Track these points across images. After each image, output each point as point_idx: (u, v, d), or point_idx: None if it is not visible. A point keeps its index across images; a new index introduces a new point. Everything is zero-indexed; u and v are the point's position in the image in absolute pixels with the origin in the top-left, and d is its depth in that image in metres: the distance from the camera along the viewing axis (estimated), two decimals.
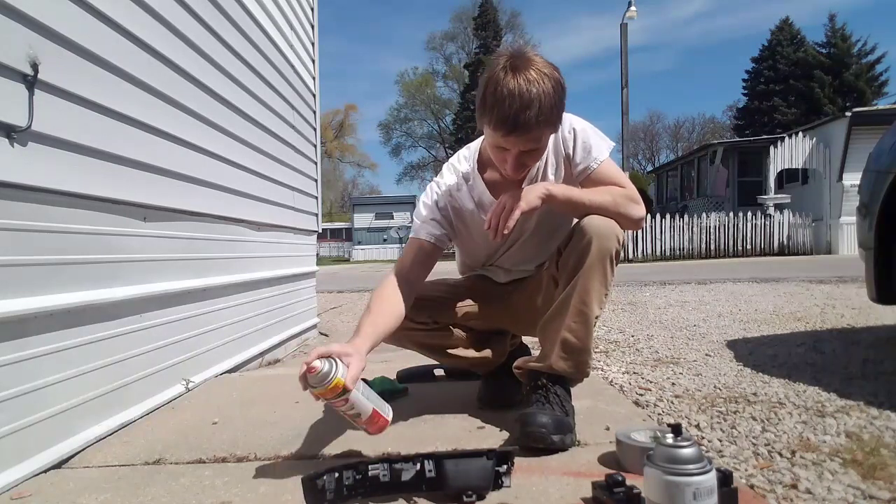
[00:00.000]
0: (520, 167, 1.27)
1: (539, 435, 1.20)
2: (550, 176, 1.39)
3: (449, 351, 1.55)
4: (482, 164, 1.43)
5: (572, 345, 1.28)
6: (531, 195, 1.24)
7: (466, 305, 1.53)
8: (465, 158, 1.48)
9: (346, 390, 1.07)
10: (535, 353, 1.41)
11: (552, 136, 1.33)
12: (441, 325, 1.50)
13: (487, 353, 1.58)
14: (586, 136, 1.36)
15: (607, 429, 1.34)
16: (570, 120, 1.37)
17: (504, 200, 1.25)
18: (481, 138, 1.44)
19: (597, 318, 1.29)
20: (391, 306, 1.30)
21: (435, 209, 1.43)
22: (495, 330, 1.61)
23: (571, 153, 1.37)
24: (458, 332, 1.54)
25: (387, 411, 1.18)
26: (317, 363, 1.06)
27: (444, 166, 1.50)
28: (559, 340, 1.28)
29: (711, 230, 13.36)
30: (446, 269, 1.55)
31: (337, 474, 0.97)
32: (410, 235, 1.44)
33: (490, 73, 1.20)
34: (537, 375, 1.32)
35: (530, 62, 1.19)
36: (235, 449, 1.32)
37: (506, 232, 1.23)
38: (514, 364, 1.41)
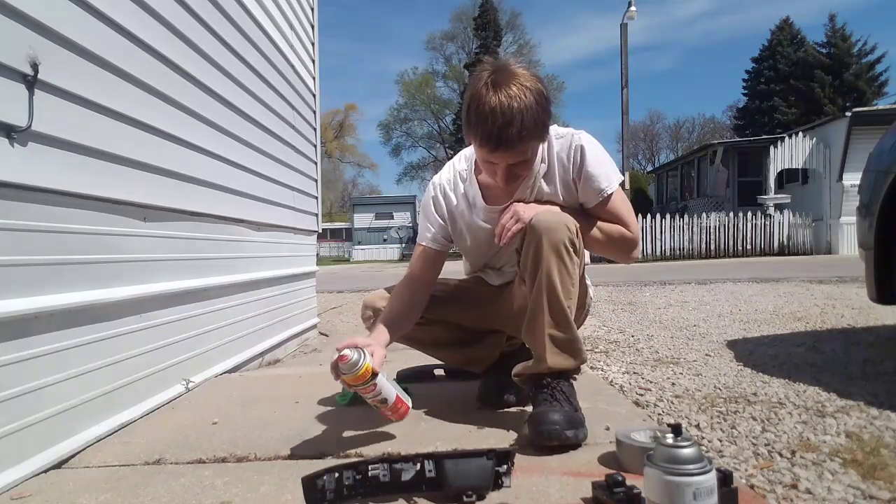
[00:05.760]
0: (511, 178, 1.30)
1: (553, 432, 1.20)
2: (542, 181, 1.40)
3: (441, 346, 1.59)
4: (479, 166, 1.44)
5: (560, 339, 1.29)
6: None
7: (460, 306, 1.55)
8: (465, 158, 1.51)
9: (374, 374, 1.20)
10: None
11: (553, 141, 1.37)
12: (432, 320, 1.53)
13: (482, 349, 1.60)
14: (597, 163, 1.37)
15: (607, 429, 1.34)
16: (578, 136, 1.38)
17: (516, 213, 1.32)
18: None
19: (569, 307, 1.29)
20: (403, 305, 1.42)
21: (433, 212, 1.48)
22: (490, 329, 1.62)
23: (578, 175, 1.38)
24: (450, 328, 1.57)
25: (407, 398, 1.31)
26: (347, 352, 1.19)
27: (446, 165, 1.54)
28: (546, 340, 1.29)
29: (711, 230, 13.36)
30: (452, 269, 1.57)
31: (337, 474, 0.97)
32: (417, 240, 1.50)
33: (472, 89, 1.22)
34: (540, 377, 1.33)
35: (512, 76, 1.20)
36: (235, 449, 1.32)
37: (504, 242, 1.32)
38: (513, 372, 1.41)
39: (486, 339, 1.62)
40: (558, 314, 1.28)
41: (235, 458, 1.27)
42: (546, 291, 1.28)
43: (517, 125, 1.17)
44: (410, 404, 1.32)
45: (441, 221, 1.47)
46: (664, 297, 5.13)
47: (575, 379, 1.37)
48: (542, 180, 1.39)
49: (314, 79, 3.77)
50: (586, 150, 1.36)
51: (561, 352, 1.30)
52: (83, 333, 1.43)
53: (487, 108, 1.17)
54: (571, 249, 1.28)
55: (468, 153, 1.50)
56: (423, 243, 1.48)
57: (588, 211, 1.41)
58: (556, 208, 1.37)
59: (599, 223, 1.39)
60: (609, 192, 1.38)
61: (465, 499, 0.98)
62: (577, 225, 1.30)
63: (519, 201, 1.38)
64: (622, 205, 1.41)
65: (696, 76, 72.76)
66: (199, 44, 2.06)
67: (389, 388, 1.26)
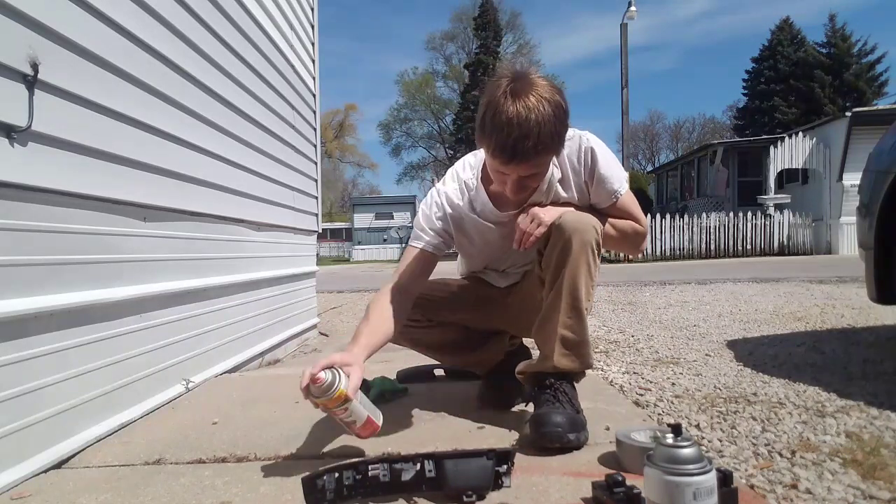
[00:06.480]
0: (521, 190, 1.27)
1: (556, 434, 1.20)
2: (557, 185, 1.38)
3: (445, 349, 1.57)
4: (487, 174, 1.40)
5: (571, 340, 1.29)
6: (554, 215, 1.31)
7: (464, 307, 1.54)
8: (469, 166, 1.46)
9: (347, 400, 1.12)
10: (534, 353, 1.41)
11: (564, 144, 1.34)
12: (436, 322, 1.51)
13: (485, 351, 1.59)
14: (608, 165, 1.36)
15: (607, 429, 1.34)
16: (586, 138, 1.36)
17: (536, 216, 1.31)
18: None
19: (587, 310, 1.30)
20: (389, 314, 1.32)
21: (434, 219, 1.42)
22: (493, 330, 1.61)
23: (590, 178, 1.37)
24: (454, 330, 1.55)
25: (378, 416, 1.23)
26: (321, 374, 1.10)
27: (448, 172, 1.49)
28: (557, 339, 1.28)
29: (711, 230, 13.35)
30: (447, 269, 1.55)
31: (337, 474, 0.97)
32: (410, 243, 1.44)
33: (490, 96, 1.18)
34: (543, 377, 1.33)
35: (531, 86, 1.16)
36: (235, 449, 1.32)
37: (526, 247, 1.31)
38: (517, 369, 1.41)
39: (491, 340, 1.61)
40: (575, 315, 1.28)
41: (235, 458, 1.27)
42: (567, 292, 1.27)
43: (533, 138, 1.13)
44: (380, 422, 1.23)
45: (444, 228, 1.43)
46: (664, 297, 5.13)
47: (577, 381, 1.37)
48: (559, 185, 1.37)
49: (314, 79, 3.77)
50: (597, 152, 1.35)
51: (569, 353, 1.29)
52: (83, 333, 1.43)
53: (504, 117, 1.14)
54: (596, 251, 1.29)
55: (472, 161, 1.46)
56: (420, 245, 1.40)
57: (599, 210, 1.40)
58: (573, 208, 1.36)
59: (611, 220, 1.39)
60: (622, 193, 1.38)
61: (465, 499, 0.98)
62: (601, 226, 1.30)
63: (534, 205, 1.36)
64: (631, 201, 1.41)
65: (696, 76, 72.87)
66: (199, 44, 2.06)
67: (360, 410, 1.17)
